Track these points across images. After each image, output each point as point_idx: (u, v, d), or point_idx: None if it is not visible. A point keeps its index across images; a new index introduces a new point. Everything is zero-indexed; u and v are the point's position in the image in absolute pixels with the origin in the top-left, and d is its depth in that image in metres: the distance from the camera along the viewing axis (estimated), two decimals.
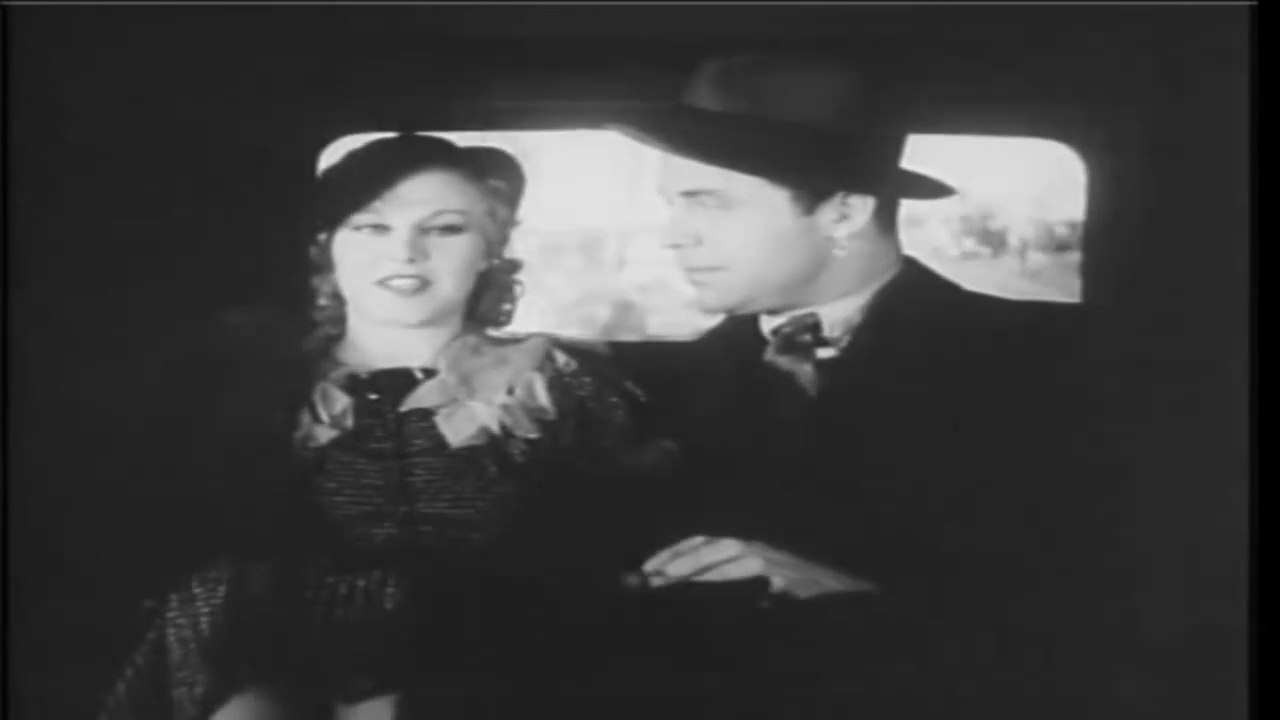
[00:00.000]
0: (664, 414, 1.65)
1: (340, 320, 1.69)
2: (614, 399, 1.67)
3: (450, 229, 1.62)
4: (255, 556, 1.47)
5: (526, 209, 1.72)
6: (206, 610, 1.43)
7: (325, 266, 1.66)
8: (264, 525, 1.54)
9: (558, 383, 1.66)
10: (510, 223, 1.69)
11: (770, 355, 1.56)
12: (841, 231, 1.51)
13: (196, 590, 1.44)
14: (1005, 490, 1.41)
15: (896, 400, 1.46)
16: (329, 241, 1.64)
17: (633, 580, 1.38)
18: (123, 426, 1.59)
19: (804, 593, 1.36)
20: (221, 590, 1.43)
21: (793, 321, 1.55)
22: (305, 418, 1.61)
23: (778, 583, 1.36)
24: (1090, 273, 2.09)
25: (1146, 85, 1.82)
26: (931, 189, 1.55)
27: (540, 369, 1.66)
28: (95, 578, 1.52)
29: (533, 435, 1.62)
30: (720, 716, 1.26)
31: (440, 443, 1.61)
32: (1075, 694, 1.30)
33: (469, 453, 1.60)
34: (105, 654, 1.46)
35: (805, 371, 1.54)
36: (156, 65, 1.75)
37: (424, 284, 1.61)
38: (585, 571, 1.40)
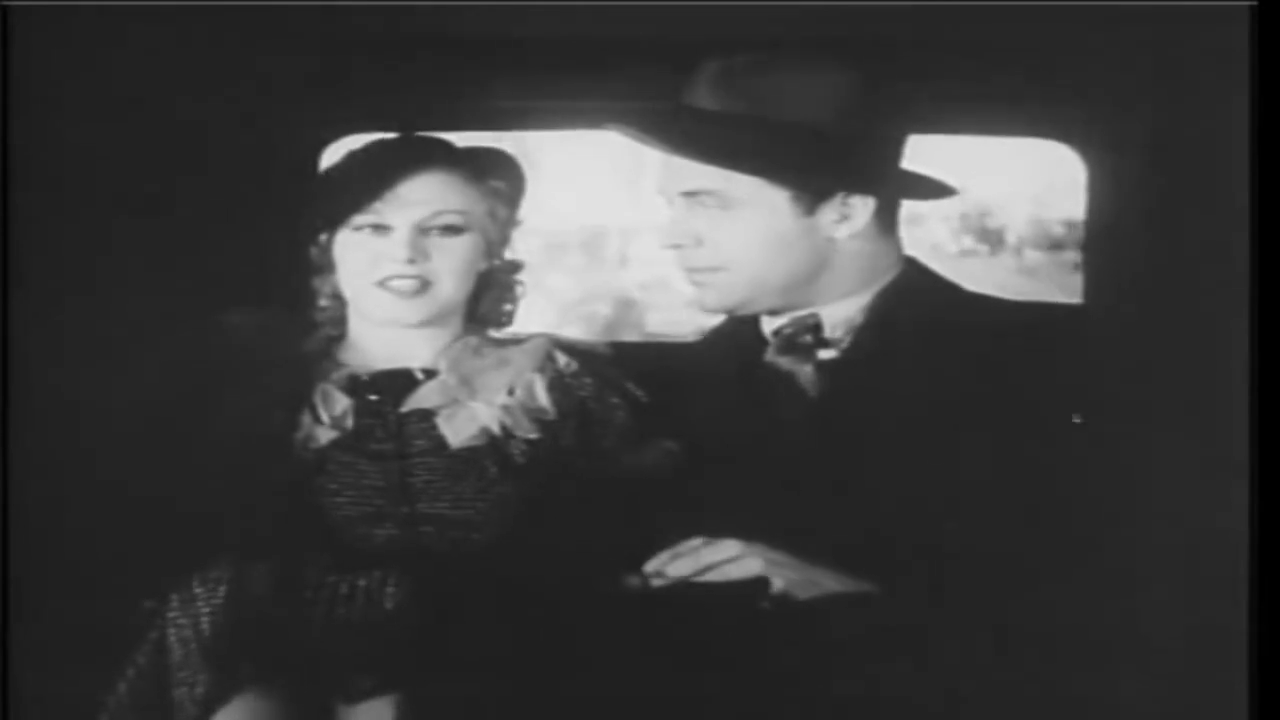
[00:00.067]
0: (664, 415, 1.65)
1: (341, 321, 1.69)
2: (614, 399, 1.67)
3: (450, 229, 1.62)
4: (256, 556, 1.47)
5: (529, 207, 1.72)
6: (207, 610, 1.43)
7: (326, 267, 1.66)
8: (264, 526, 1.54)
9: (558, 383, 1.66)
10: (511, 223, 1.69)
11: (771, 356, 1.56)
12: (842, 232, 1.51)
13: (197, 590, 1.44)
14: (1005, 490, 1.41)
15: (897, 401, 1.46)
16: (329, 242, 1.64)
17: (634, 581, 1.38)
18: (123, 426, 1.59)
19: (804, 593, 1.36)
20: (222, 590, 1.43)
21: (794, 322, 1.55)
22: (306, 419, 1.61)
23: (778, 583, 1.36)
24: (1090, 273, 2.09)
25: (1146, 85, 1.82)
26: (932, 189, 1.55)
27: (541, 370, 1.66)
28: (95, 578, 1.52)
29: (533, 436, 1.62)
30: (720, 717, 1.26)
31: (441, 443, 1.61)
32: (1075, 694, 1.30)
33: (469, 453, 1.60)
34: (106, 654, 1.46)
35: (806, 372, 1.54)
36: (156, 65, 1.75)
37: (424, 285, 1.60)
38: (586, 572, 1.41)
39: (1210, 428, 1.41)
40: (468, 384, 1.64)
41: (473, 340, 1.68)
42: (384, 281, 1.60)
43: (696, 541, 1.40)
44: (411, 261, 1.59)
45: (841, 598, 1.36)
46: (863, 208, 1.50)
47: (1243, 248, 1.30)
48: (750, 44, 1.49)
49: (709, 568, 1.38)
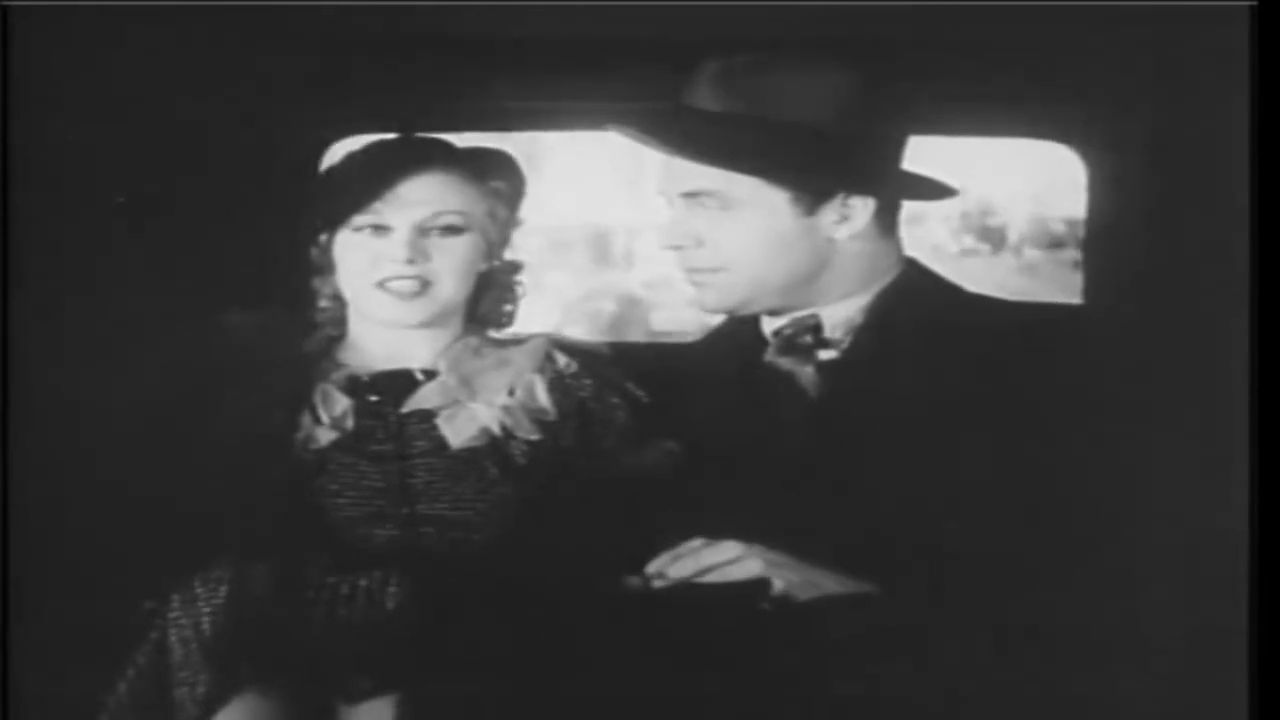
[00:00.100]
0: (665, 415, 1.65)
1: (341, 322, 1.69)
2: (615, 400, 1.67)
3: (450, 230, 1.61)
4: (256, 557, 1.47)
5: (535, 206, 1.72)
6: (208, 610, 1.43)
7: (326, 268, 1.66)
8: (265, 526, 1.55)
9: (558, 384, 1.66)
10: (511, 223, 1.69)
11: (771, 356, 1.56)
12: (842, 233, 1.51)
13: (198, 590, 1.44)
14: (1005, 490, 1.41)
15: (898, 401, 1.46)
16: (330, 243, 1.64)
17: (634, 582, 1.38)
18: (123, 426, 1.59)
19: (804, 594, 1.36)
20: (223, 590, 1.43)
21: (794, 323, 1.55)
22: (306, 419, 1.61)
23: (778, 584, 1.36)
24: (1091, 273, 2.09)
25: (1146, 85, 1.82)
26: (932, 190, 1.55)
27: (541, 370, 1.66)
28: (96, 578, 1.52)
29: (533, 436, 1.62)
30: (720, 717, 1.26)
31: (441, 444, 1.61)
32: (1075, 694, 1.30)
33: (470, 454, 1.60)
34: (106, 654, 1.46)
35: (806, 373, 1.54)
36: (156, 65, 1.75)
37: (424, 286, 1.60)
38: (586, 572, 1.41)
39: (1210, 428, 1.41)
40: (468, 385, 1.64)
41: (473, 341, 1.68)
42: (384, 282, 1.60)
43: (697, 542, 1.40)
44: (411, 262, 1.59)
45: (842, 599, 1.36)
46: (863, 208, 1.50)
47: (1243, 248, 1.30)
48: (750, 44, 1.49)
49: (709, 569, 1.38)
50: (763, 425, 1.54)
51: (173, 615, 1.44)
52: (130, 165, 1.80)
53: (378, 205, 1.59)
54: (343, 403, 1.62)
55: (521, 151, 1.72)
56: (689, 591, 1.37)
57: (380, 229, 1.60)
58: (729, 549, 1.38)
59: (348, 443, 1.60)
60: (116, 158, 1.77)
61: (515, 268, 1.71)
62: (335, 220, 1.62)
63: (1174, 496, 1.42)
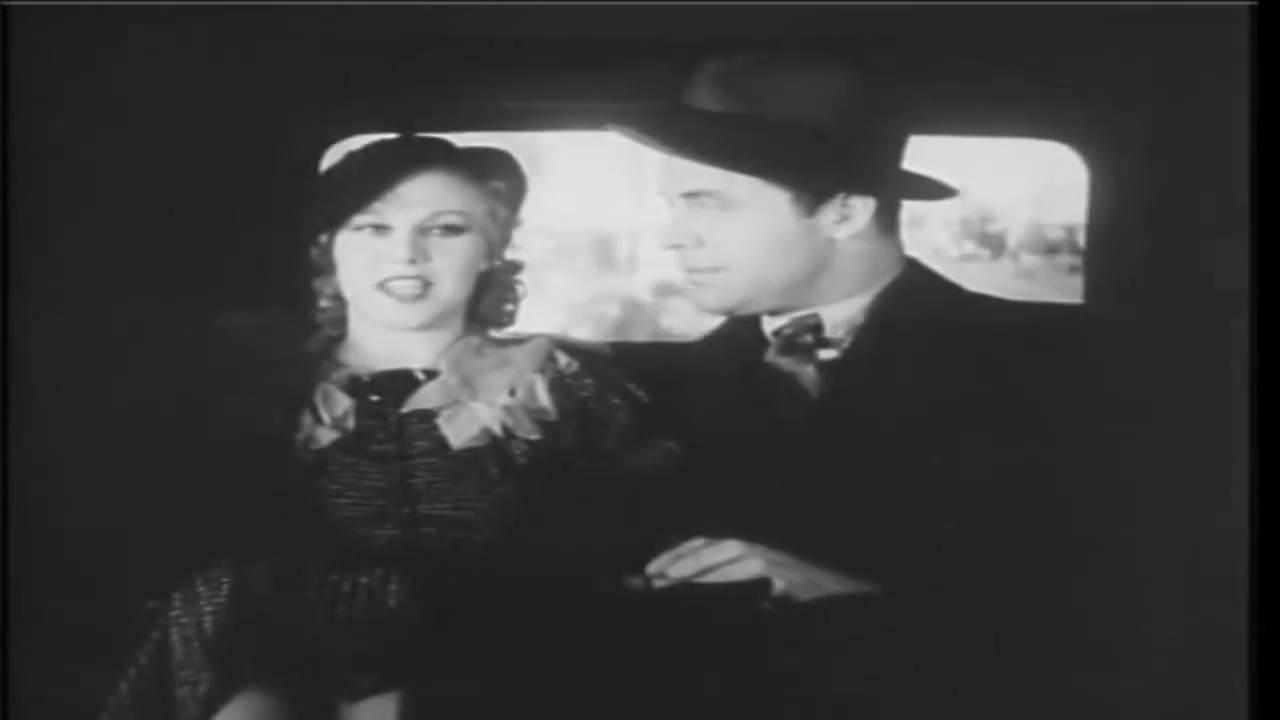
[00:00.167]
0: (666, 415, 1.65)
1: (341, 322, 1.69)
2: (615, 400, 1.67)
3: (451, 230, 1.61)
4: (258, 556, 1.47)
5: (539, 208, 1.72)
6: (210, 609, 1.43)
7: (326, 268, 1.66)
8: (266, 526, 1.54)
9: (559, 384, 1.66)
10: (511, 223, 1.69)
11: (772, 356, 1.56)
12: (843, 233, 1.51)
13: (200, 589, 1.44)
14: (1005, 490, 1.41)
15: (898, 401, 1.46)
16: (330, 243, 1.64)
17: (635, 582, 1.38)
18: (123, 427, 1.59)
19: (805, 594, 1.36)
20: (225, 589, 1.43)
21: (794, 323, 1.55)
22: (307, 419, 1.61)
23: (779, 584, 1.36)
24: (1091, 273, 2.09)
25: (1146, 85, 1.82)
26: (933, 190, 1.55)
27: (542, 370, 1.66)
28: (96, 577, 1.52)
29: (534, 436, 1.62)
30: (721, 717, 1.26)
31: (442, 444, 1.61)
32: (1075, 694, 1.30)
33: (470, 454, 1.60)
34: (107, 654, 1.46)
35: (807, 373, 1.54)
36: (156, 65, 1.75)
37: (425, 287, 1.60)
38: (587, 572, 1.41)
39: (1210, 428, 1.41)
40: (469, 384, 1.64)
41: (474, 341, 1.68)
42: (385, 283, 1.60)
43: (698, 542, 1.40)
44: (412, 262, 1.59)
45: (842, 599, 1.36)
46: (863, 208, 1.50)
47: (1243, 248, 1.30)
48: (750, 44, 1.49)
49: (710, 569, 1.38)
50: (763, 425, 1.54)
51: (174, 614, 1.44)
52: (130, 165, 1.79)
53: (378, 205, 1.59)
54: (344, 403, 1.62)
55: (522, 152, 1.72)
56: (690, 591, 1.37)
57: (380, 229, 1.60)
58: (730, 549, 1.38)
59: (349, 443, 1.60)
60: (116, 158, 1.77)
61: (516, 267, 1.71)
62: (335, 220, 1.62)
63: (1174, 496, 1.42)
